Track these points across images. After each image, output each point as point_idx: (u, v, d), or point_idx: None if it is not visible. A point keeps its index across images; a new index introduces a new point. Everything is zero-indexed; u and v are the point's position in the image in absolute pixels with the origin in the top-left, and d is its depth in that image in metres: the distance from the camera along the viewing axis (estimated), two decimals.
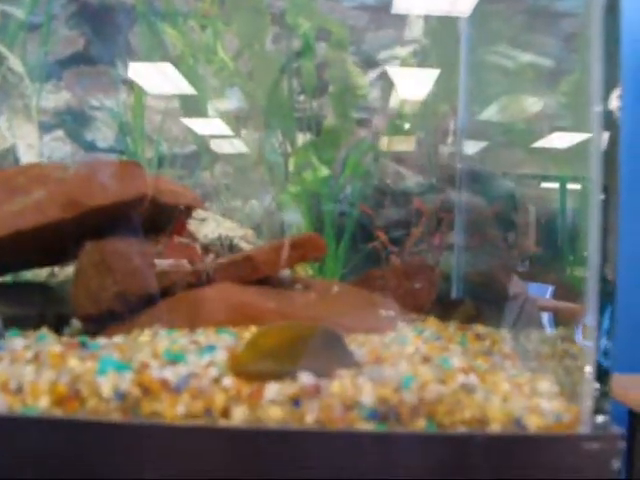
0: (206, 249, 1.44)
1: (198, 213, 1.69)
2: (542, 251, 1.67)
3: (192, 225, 1.63)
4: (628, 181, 0.95)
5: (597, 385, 0.77)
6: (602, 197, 0.80)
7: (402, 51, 1.88)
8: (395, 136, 1.83)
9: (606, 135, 0.80)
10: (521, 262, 1.68)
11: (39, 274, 1.53)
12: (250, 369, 0.76)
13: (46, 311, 1.21)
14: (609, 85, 0.81)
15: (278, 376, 0.74)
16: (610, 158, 0.80)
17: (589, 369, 0.78)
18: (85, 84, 1.88)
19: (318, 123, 1.81)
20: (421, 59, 1.86)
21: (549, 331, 1.26)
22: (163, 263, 1.19)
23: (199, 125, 1.85)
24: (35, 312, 1.20)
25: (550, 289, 1.51)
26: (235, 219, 1.75)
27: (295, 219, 1.74)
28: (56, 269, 1.61)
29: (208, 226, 1.66)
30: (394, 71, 1.87)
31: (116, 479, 0.71)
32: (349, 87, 1.77)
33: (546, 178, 1.82)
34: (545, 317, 1.34)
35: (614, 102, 0.80)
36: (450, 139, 1.85)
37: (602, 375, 0.78)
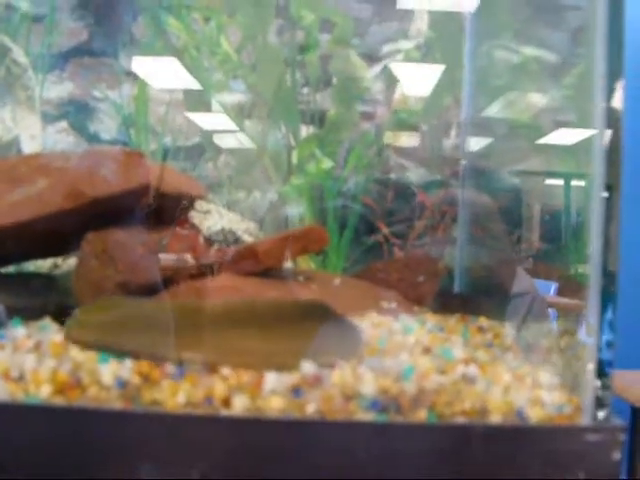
0: (209, 241, 1.44)
1: (201, 205, 1.70)
2: (546, 247, 1.67)
3: (195, 217, 1.64)
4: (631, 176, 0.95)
5: (598, 377, 0.77)
6: (605, 195, 0.80)
7: (406, 44, 1.88)
8: (398, 129, 1.82)
9: (609, 132, 0.80)
10: (525, 259, 1.67)
11: (42, 266, 1.53)
12: (76, 337, 0.77)
13: (48, 302, 1.21)
14: (612, 82, 0.80)
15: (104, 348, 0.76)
16: (613, 155, 0.80)
17: (591, 361, 0.77)
18: (88, 76, 1.88)
19: (322, 115, 1.81)
20: (425, 52, 1.85)
21: (555, 328, 1.26)
22: (167, 259, 1.19)
23: (203, 118, 1.85)
24: (37, 303, 1.20)
25: (554, 286, 1.50)
26: (238, 212, 1.75)
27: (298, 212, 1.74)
28: (59, 261, 1.61)
29: (211, 218, 1.66)
30: (398, 64, 1.86)
31: (117, 467, 0.71)
32: (352, 79, 1.77)
33: (550, 174, 1.82)
34: (552, 314, 1.33)
35: (617, 99, 0.80)
36: (454, 132, 1.84)
37: (604, 367, 0.78)
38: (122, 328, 0.79)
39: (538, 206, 1.75)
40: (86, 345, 0.78)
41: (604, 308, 0.80)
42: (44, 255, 1.39)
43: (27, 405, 0.73)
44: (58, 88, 1.89)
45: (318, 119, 1.82)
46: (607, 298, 0.80)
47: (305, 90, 1.86)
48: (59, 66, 1.90)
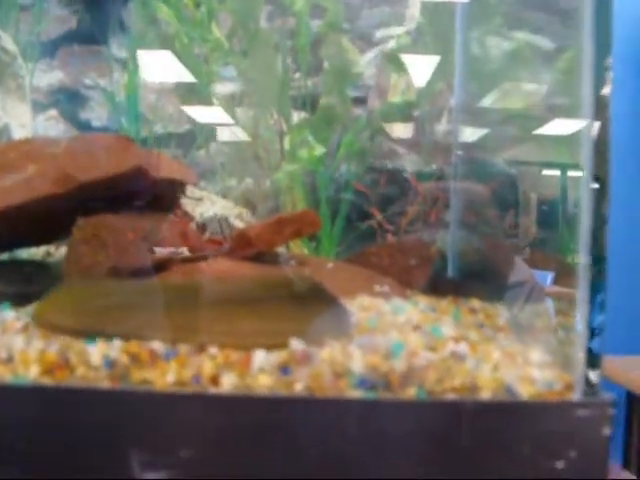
0: (202, 228, 1.44)
1: (193, 192, 1.69)
2: (542, 237, 1.67)
3: (188, 204, 1.63)
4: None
5: (588, 353, 0.77)
6: (594, 185, 0.80)
7: (398, 30, 1.87)
8: (390, 114, 1.82)
9: (597, 123, 0.80)
10: (522, 249, 1.67)
11: (35, 254, 1.53)
12: (48, 321, 0.78)
13: (40, 288, 1.20)
14: (599, 68, 0.80)
15: (80, 332, 0.76)
16: (601, 145, 0.80)
17: (581, 337, 0.77)
18: (78, 63, 1.87)
19: (314, 101, 1.81)
20: (417, 38, 1.85)
21: (548, 309, 1.26)
22: (162, 252, 1.19)
23: (194, 105, 1.85)
24: (29, 289, 1.19)
25: (551, 276, 1.50)
26: (231, 199, 1.75)
27: (290, 198, 1.74)
28: (52, 249, 1.61)
29: (203, 205, 1.66)
30: (390, 50, 1.85)
31: (105, 446, 0.71)
32: (344, 65, 1.76)
33: (542, 163, 1.82)
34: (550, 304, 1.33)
35: (606, 88, 0.80)
36: (446, 118, 1.84)
37: (594, 345, 0.78)
38: (103, 310, 0.79)
39: (531, 194, 1.75)
40: (58, 329, 0.78)
41: (594, 292, 0.80)
42: (36, 242, 1.38)
43: (15, 385, 0.73)
44: (48, 76, 1.88)
45: (310, 105, 1.82)
46: (597, 283, 0.80)
47: (296, 76, 1.86)
48: (49, 54, 1.89)
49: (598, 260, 0.80)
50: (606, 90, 0.80)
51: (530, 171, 1.83)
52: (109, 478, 0.71)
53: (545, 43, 1.76)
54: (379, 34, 1.92)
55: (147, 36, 1.75)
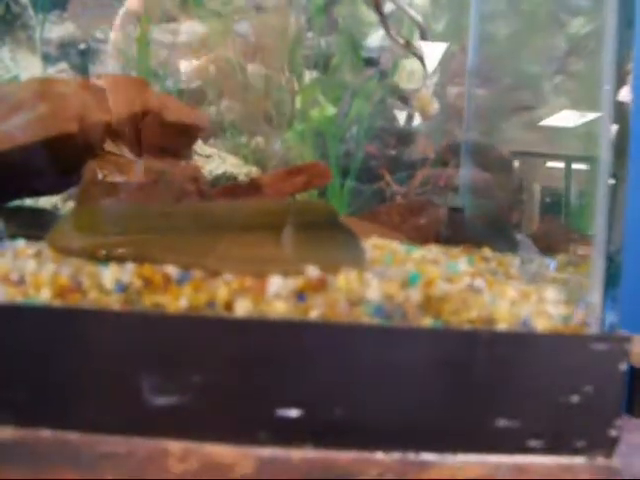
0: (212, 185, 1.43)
1: (203, 149, 1.68)
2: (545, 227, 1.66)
3: (198, 161, 1.63)
4: None
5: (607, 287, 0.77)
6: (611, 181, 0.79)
7: None
8: (402, 75, 1.80)
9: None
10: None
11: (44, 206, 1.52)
12: (62, 243, 0.78)
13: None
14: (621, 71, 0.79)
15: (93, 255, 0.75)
16: (620, 142, 0.79)
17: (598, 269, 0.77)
18: (90, 15, 1.86)
19: (326, 61, 1.79)
20: None
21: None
22: None
23: (206, 61, 1.83)
24: (42, 234, 1.19)
25: (554, 263, 1.50)
26: (240, 156, 1.74)
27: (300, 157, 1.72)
28: (59, 204, 1.61)
29: (213, 163, 1.65)
30: (403, 9, 1.83)
31: (117, 370, 0.70)
32: (357, 25, 1.74)
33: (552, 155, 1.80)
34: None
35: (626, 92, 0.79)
36: (459, 80, 1.82)
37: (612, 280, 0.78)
38: (117, 232, 0.77)
39: (538, 186, 1.73)
40: (72, 252, 0.77)
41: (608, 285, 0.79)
42: (47, 189, 1.36)
43: (26, 306, 0.72)
44: (59, 28, 1.86)
45: (322, 64, 1.80)
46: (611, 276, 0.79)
47: (309, 34, 1.84)
48: (60, 5, 1.87)
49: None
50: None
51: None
52: (119, 402, 0.71)
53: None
54: None
55: None
